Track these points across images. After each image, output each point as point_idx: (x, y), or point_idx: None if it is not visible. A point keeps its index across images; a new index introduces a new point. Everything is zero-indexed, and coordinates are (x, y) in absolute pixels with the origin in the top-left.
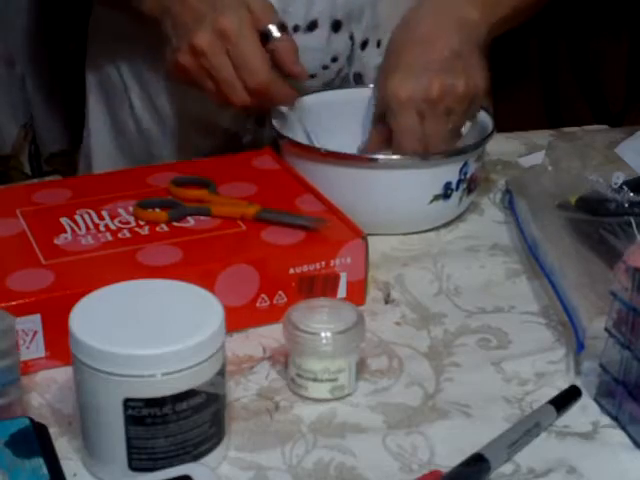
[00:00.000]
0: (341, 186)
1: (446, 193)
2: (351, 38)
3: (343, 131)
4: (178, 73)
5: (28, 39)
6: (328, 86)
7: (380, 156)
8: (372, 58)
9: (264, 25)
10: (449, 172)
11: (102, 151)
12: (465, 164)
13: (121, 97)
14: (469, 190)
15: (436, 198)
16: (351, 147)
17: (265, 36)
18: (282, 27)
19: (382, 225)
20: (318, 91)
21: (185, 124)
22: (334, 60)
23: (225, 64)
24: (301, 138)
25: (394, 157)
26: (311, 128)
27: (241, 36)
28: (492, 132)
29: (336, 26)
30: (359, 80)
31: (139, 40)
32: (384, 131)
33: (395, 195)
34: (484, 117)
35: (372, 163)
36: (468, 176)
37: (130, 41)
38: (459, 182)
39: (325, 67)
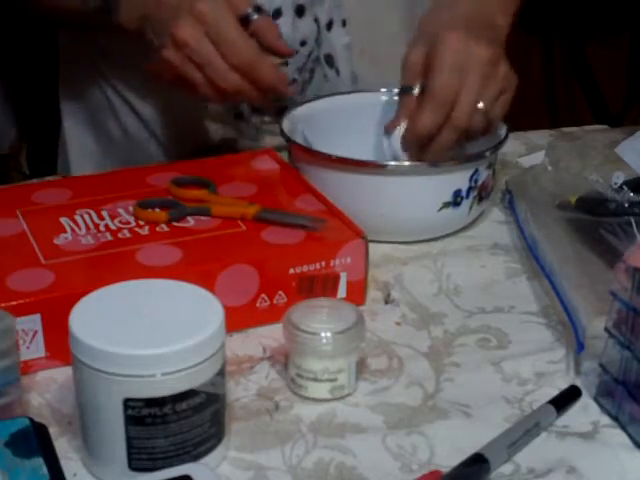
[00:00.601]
0: (350, 192)
1: (456, 201)
2: (316, 21)
3: (339, 138)
4: (164, 71)
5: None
6: (301, 70)
7: (390, 162)
8: (339, 38)
9: (242, 10)
10: (459, 179)
11: (82, 152)
12: (476, 171)
13: (102, 104)
14: (480, 198)
15: (445, 205)
16: (348, 154)
17: (244, 21)
18: (259, 9)
19: (391, 232)
20: (313, 99)
21: (170, 127)
22: (303, 44)
23: (208, 48)
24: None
25: (403, 163)
26: (309, 135)
27: (219, 17)
28: (504, 139)
29: (300, 11)
30: (330, 61)
31: (116, 48)
32: (410, 103)
33: (404, 201)
34: (498, 125)
35: (381, 169)
36: (479, 184)
37: (107, 52)
38: (469, 190)
39: (295, 52)
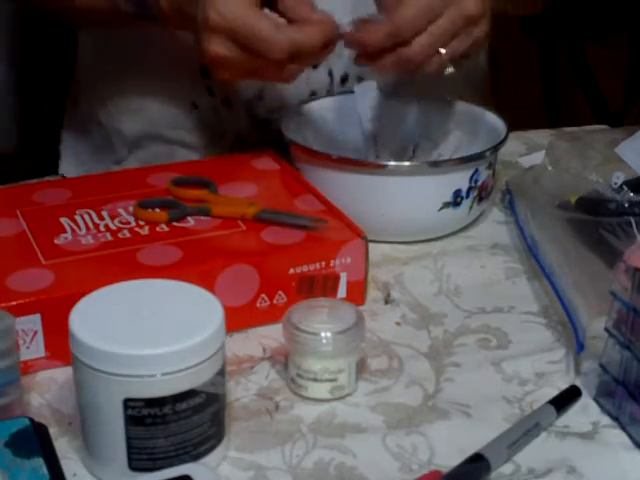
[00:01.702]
0: (350, 192)
1: (456, 201)
2: (330, 74)
3: (340, 138)
4: (230, 83)
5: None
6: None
7: (390, 162)
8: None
9: None
10: (459, 179)
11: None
12: (476, 171)
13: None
14: (480, 198)
15: (446, 205)
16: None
17: None
18: None
19: (391, 232)
20: (313, 100)
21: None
22: (312, 94)
23: (244, 56)
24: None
25: (403, 163)
26: (310, 135)
27: (231, 18)
28: (504, 140)
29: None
30: None
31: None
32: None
33: (404, 201)
34: (497, 123)
35: (381, 169)
36: (479, 184)
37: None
38: (469, 190)
39: (303, 102)
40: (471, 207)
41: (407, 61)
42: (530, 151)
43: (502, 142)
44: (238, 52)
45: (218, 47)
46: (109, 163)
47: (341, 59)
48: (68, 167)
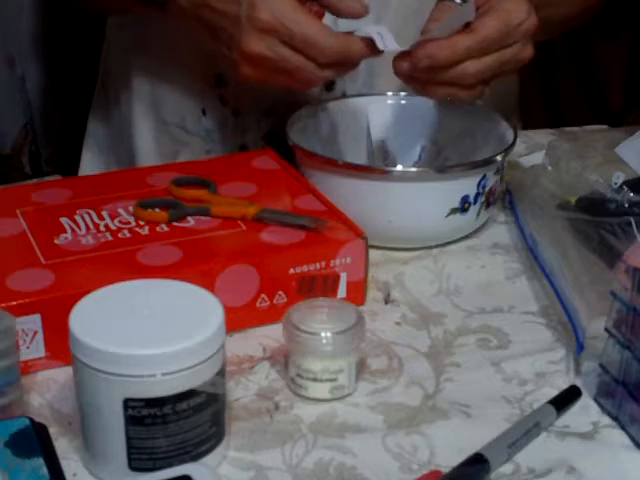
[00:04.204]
0: (356, 198)
1: (463, 207)
2: (344, 95)
3: (346, 142)
4: (251, 82)
5: (28, 39)
6: None
7: (396, 168)
8: None
9: None
10: (467, 185)
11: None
12: (484, 177)
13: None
14: (487, 204)
15: (453, 212)
16: (355, 160)
17: None
18: None
19: (398, 239)
20: (319, 103)
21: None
22: None
23: (289, 55)
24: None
25: (410, 169)
26: (315, 139)
27: (285, 19)
28: (512, 145)
29: (329, 85)
30: None
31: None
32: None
33: (411, 208)
34: (505, 129)
35: (388, 175)
36: (487, 189)
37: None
38: (477, 195)
39: (308, 106)
40: (479, 213)
41: (466, 78)
42: (530, 151)
43: (511, 147)
44: (280, 53)
45: (258, 45)
46: (126, 158)
47: (355, 82)
48: (87, 162)
